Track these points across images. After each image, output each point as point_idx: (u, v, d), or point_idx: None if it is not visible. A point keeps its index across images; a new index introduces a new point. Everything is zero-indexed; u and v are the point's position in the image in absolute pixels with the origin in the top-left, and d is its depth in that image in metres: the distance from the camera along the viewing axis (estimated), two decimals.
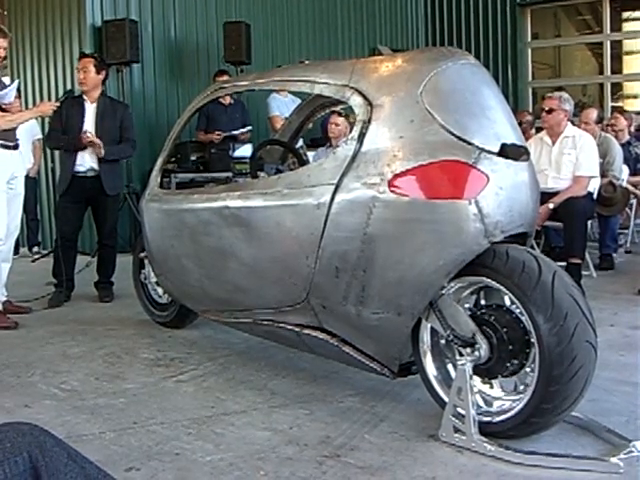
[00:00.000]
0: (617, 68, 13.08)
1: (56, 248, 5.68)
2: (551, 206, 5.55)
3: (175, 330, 4.62)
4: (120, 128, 5.64)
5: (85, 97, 5.58)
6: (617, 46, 13.02)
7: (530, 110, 11.89)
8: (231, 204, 3.47)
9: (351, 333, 3.11)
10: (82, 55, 5.81)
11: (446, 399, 2.83)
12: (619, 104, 12.91)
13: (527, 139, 4.89)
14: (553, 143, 5.86)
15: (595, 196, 6.07)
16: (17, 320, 4.92)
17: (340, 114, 6.76)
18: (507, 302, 2.82)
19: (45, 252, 7.91)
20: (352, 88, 3.10)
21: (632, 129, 8.41)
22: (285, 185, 3.24)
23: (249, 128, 8.29)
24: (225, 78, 6.84)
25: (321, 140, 7.99)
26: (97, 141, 5.38)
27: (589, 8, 13.27)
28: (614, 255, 6.67)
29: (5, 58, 5.06)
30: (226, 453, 2.75)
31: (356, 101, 3.07)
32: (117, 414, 3.19)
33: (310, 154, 6.80)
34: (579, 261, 5.49)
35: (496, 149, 2.85)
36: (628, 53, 13.50)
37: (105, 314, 5.23)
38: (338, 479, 2.51)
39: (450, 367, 2.97)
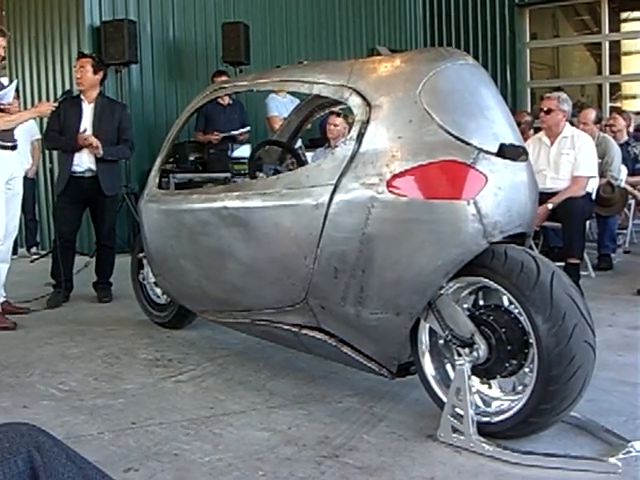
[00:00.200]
0: (615, 68, 13.08)
1: (54, 249, 5.67)
2: (550, 206, 5.55)
3: (174, 330, 4.62)
4: (118, 129, 5.63)
5: (83, 97, 5.58)
6: (615, 46, 13.02)
7: (529, 110, 11.90)
8: (230, 204, 3.47)
9: (350, 333, 3.11)
10: (80, 55, 5.81)
11: (445, 399, 2.84)
12: (617, 104, 12.91)
13: (526, 139, 4.89)
14: (551, 143, 5.86)
15: (594, 196, 6.07)
16: (16, 321, 4.92)
17: (339, 114, 6.76)
18: (506, 302, 2.82)
19: (44, 252, 7.90)
20: (351, 88, 3.10)
21: (631, 129, 8.41)
22: (284, 185, 3.24)
23: (248, 128, 8.28)
24: (224, 78, 6.85)
25: (320, 140, 7.99)
26: (94, 142, 5.38)
27: (587, 8, 13.27)
28: (612, 255, 6.67)
29: (4, 58, 5.06)
30: (225, 453, 2.75)
31: (355, 101, 3.07)
32: (116, 414, 3.19)
33: (309, 154, 6.80)
34: (578, 261, 5.49)
35: (494, 149, 2.86)
36: (626, 53, 13.50)
37: (104, 314, 5.23)
38: (336, 479, 2.52)
39: (449, 367, 2.97)
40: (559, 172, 5.77)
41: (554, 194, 5.63)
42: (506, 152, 2.87)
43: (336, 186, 2.98)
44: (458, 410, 2.74)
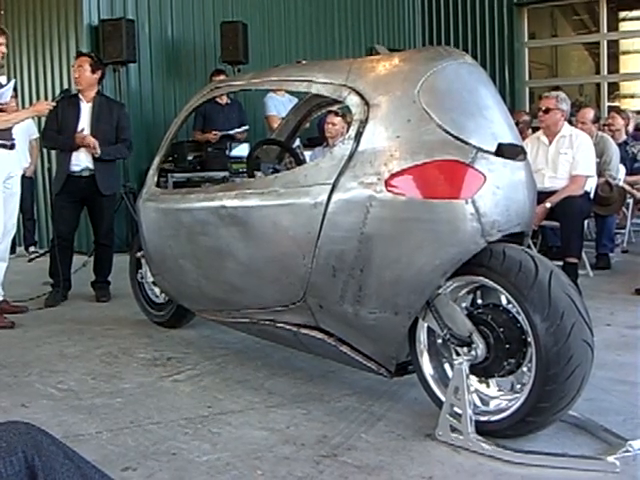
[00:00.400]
0: (614, 68, 13.09)
1: (52, 248, 5.67)
2: (548, 205, 5.55)
3: (172, 330, 4.62)
4: (116, 128, 5.62)
5: (81, 96, 5.57)
6: (614, 46, 13.02)
7: (527, 110, 11.91)
8: (228, 204, 3.47)
9: (348, 332, 3.11)
10: (78, 54, 5.80)
11: (443, 398, 2.84)
12: (616, 104, 12.91)
13: (524, 139, 4.89)
14: (550, 142, 5.86)
15: (592, 196, 6.07)
16: (14, 320, 4.92)
17: (337, 114, 6.76)
18: (504, 301, 2.82)
19: (42, 252, 7.90)
20: (349, 87, 3.10)
21: (630, 128, 8.40)
22: (282, 185, 3.24)
23: (246, 128, 8.28)
24: (222, 78, 6.84)
25: (318, 140, 7.99)
26: (92, 142, 5.37)
27: (586, 8, 13.28)
28: (611, 255, 6.67)
29: (3, 56, 5.04)
30: (223, 453, 2.75)
31: (353, 100, 3.07)
32: (114, 414, 3.19)
33: (307, 153, 6.80)
34: (576, 260, 5.49)
35: (493, 149, 2.86)
36: (625, 53, 13.51)
37: (102, 314, 5.23)
38: (335, 478, 2.52)
39: (447, 366, 2.97)
40: (557, 171, 5.77)
41: (552, 193, 5.63)
42: (504, 151, 2.87)
43: (334, 185, 2.98)
44: (456, 409, 2.74)
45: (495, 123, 2.97)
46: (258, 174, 3.84)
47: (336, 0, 11.59)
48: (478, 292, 2.95)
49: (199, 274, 3.83)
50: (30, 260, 7.80)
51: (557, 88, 9.64)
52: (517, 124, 3.20)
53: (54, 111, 5.29)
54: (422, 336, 2.97)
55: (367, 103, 3.00)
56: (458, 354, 2.83)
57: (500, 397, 2.87)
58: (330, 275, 3.02)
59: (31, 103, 7.78)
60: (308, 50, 10.76)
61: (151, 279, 4.61)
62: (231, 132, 8.07)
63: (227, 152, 7.83)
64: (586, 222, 6.32)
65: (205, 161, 7.96)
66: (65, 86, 7.78)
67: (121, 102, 6.68)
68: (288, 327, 3.35)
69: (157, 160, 4.42)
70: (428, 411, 2.99)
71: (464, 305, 2.94)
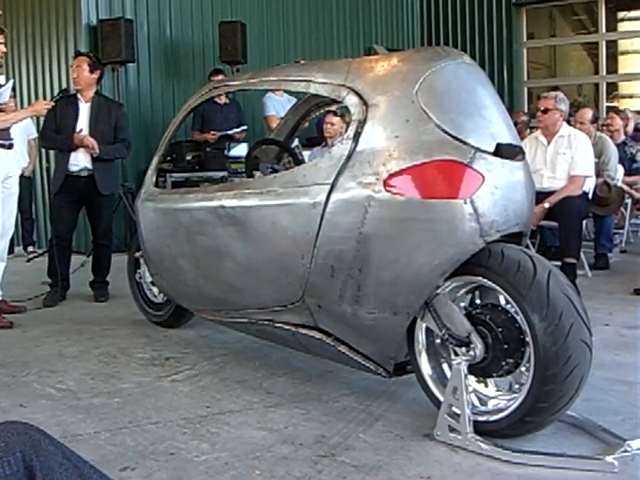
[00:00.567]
0: (612, 68, 13.10)
1: (51, 247, 5.67)
2: (546, 205, 5.55)
3: (170, 330, 4.62)
4: (115, 128, 5.62)
5: (79, 96, 5.57)
6: (612, 46, 13.04)
7: (525, 110, 11.91)
8: (226, 203, 3.47)
9: (347, 332, 3.11)
10: (77, 54, 5.80)
11: (441, 398, 2.84)
12: (614, 104, 12.92)
13: (522, 139, 4.89)
14: (548, 143, 5.86)
15: (590, 196, 6.08)
16: (12, 320, 4.91)
17: (336, 113, 6.76)
18: (502, 301, 2.82)
19: (40, 251, 7.89)
20: (348, 87, 3.10)
21: (630, 129, 8.38)
22: (281, 184, 3.24)
23: (244, 128, 8.28)
24: (220, 77, 6.83)
25: (317, 139, 7.99)
26: (90, 142, 5.37)
27: (584, 8, 13.29)
28: (609, 255, 6.67)
29: (2, 56, 5.04)
30: (221, 452, 2.75)
31: (352, 100, 3.07)
32: (112, 414, 3.19)
33: (306, 153, 6.80)
34: (574, 261, 5.50)
35: (491, 149, 2.86)
36: (623, 53, 13.52)
37: (100, 314, 5.22)
38: (333, 478, 2.52)
39: (445, 366, 2.98)
40: (556, 171, 5.77)
41: (551, 193, 5.64)
42: (503, 151, 2.87)
43: (333, 185, 2.98)
44: (455, 409, 2.74)
45: (494, 123, 2.97)
46: (257, 174, 3.84)
47: (335, 0, 11.60)
48: (477, 292, 2.95)
49: (198, 274, 3.83)
50: (28, 260, 7.80)
51: (556, 88, 9.65)
52: (515, 124, 3.20)
53: (52, 111, 5.29)
54: (421, 336, 2.98)
55: (366, 103, 3.00)
56: (456, 354, 2.83)
57: (498, 397, 2.87)
58: (329, 275, 3.02)
59: (29, 103, 7.78)
60: (307, 50, 10.76)
61: (149, 279, 4.61)
62: (230, 132, 8.08)
63: (226, 152, 7.84)
64: (584, 222, 6.33)
65: (204, 161, 7.96)
66: (64, 86, 7.78)
67: (120, 102, 6.68)
68: (287, 327, 3.35)
69: (156, 160, 4.42)
70: (426, 411, 2.99)
71: (462, 305, 2.94)
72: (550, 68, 14.33)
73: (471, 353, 2.75)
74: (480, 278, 2.80)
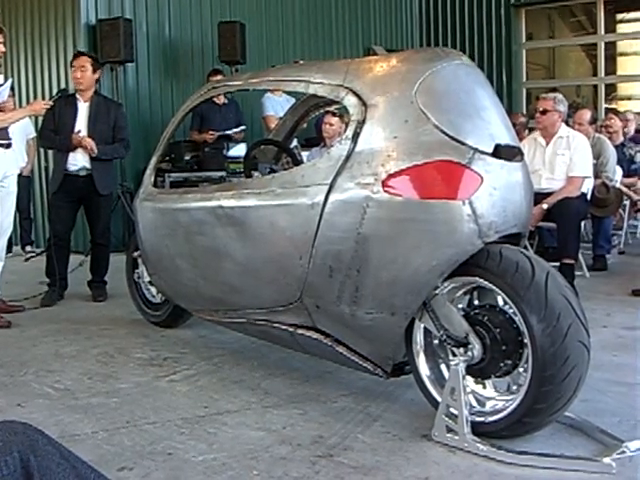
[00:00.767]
0: (611, 69, 13.11)
1: (49, 247, 5.67)
2: (545, 206, 5.55)
3: (168, 329, 4.62)
4: (113, 128, 5.62)
5: (78, 96, 5.56)
6: (611, 47, 13.04)
7: (524, 111, 11.92)
8: (225, 204, 3.47)
9: (345, 333, 3.11)
10: (79, 54, 5.78)
11: (439, 399, 2.84)
12: (613, 105, 12.93)
13: (521, 140, 4.89)
14: (547, 144, 5.87)
15: (589, 197, 6.08)
16: (10, 319, 4.91)
17: (334, 114, 6.76)
18: (500, 302, 2.82)
19: (38, 251, 7.88)
20: (346, 88, 3.10)
21: (631, 130, 8.36)
22: (279, 185, 3.24)
23: (243, 128, 8.28)
24: (219, 78, 6.83)
25: (315, 140, 7.99)
26: (88, 143, 5.37)
27: (583, 9, 13.29)
28: (607, 256, 6.67)
29: (1, 55, 5.03)
30: (219, 453, 2.75)
31: (350, 101, 3.07)
32: (110, 413, 3.19)
33: (304, 154, 6.80)
34: (572, 262, 5.50)
35: (490, 149, 2.86)
36: (622, 54, 13.53)
37: (98, 313, 5.22)
38: (331, 479, 2.52)
39: (443, 367, 2.97)
40: (554, 172, 5.78)
41: (549, 194, 5.64)
42: (501, 152, 2.87)
43: (331, 186, 2.98)
44: (452, 410, 2.74)
45: (492, 124, 2.97)
46: (255, 174, 3.84)
47: (334, 0, 11.60)
48: (475, 293, 2.96)
49: (196, 274, 3.83)
50: (27, 259, 7.79)
51: (554, 89, 9.66)
52: (514, 126, 3.20)
53: (51, 111, 5.28)
54: (419, 337, 2.98)
55: (364, 104, 3.00)
56: (454, 355, 2.83)
57: (496, 398, 2.87)
58: (327, 275, 3.02)
59: (28, 102, 7.76)
60: (306, 50, 10.77)
61: (148, 279, 4.61)
62: (228, 132, 8.08)
63: (224, 152, 7.84)
64: (583, 223, 6.33)
65: (202, 161, 7.97)
66: (62, 85, 7.78)
67: (118, 102, 6.67)
68: (285, 327, 3.35)
69: (154, 160, 4.41)
70: (424, 412, 2.99)
71: (460, 306, 2.94)
72: (549, 69, 14.34)
73: (469, 354, 2.76)
74: (478, 279, 2.80)
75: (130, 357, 4.07)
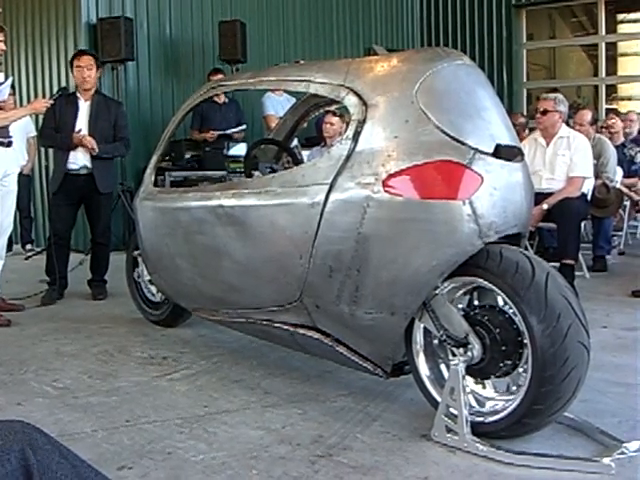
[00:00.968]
0: (612, 70, 13.12)
1: (49, 246, 5.67)
2: (545, 207, 5.56)
3: (168, 329, 4.62)
4: (114, 126, 5.62)
5: (79, 95, 5.57)
6: (612, 48, 13.05)
7: (525, 111, 11.93)
8: (225, 203, 3.47)
9: (344, 333, 3.11)
10: (82, 52, 5.78)
11: (439, 399, 2.84)
12: (613, 106, 12.94)
13: (521, 141, 4.89)
14: (547, 144, 5.87)
15: (589, 197, 6.08)
16: (10, 318, 4.91)
17: (335, 114, 6.76)
18: (500, 303, 2.82)
19: (38, 250, 7.89)
20: (347, 88, 3.10)
21: (634, 131, 8.34)
22: (279, 184, 3.24)
23: (243, 127, 8.28)
24: (220, 77, 6.83)
25: (316, 139, 7.99)
26: (89, 142, 5.37)
27: (584, 10, 13.30)
28: (607, 257, 6.68)
29: (2, 54, 5.03)
30: (218, 452, 2.74)
31: (351, 101, 3.07)
32: (110, 412, 3.19)
33: (305, 153, 6.80)
34: (572, 262, 5.50)
35: (490, 150, 2.86)
36: (623, 55, 13.54)
37: (98, 312, 5.22)
38: (330, 478, 2.51)
39: (443, 367, 2.97)
40: (555, 173, 5.78)
41: (550, 195, 5.64)
42: (502, 153, 2.87)
43: (332, 185, 2.98)
44: (452, 410, 2.74)
45: (493, 124, 2.97)
46: (256, 174, 3.83)
47: (335, 0, 11.60)
48: (475, 293, 2.95)
49: (196, 273, 3.83)
50: (27, 258, 7.80)
51: (555, 90, 9.66)
52: (513, 126, 3.20)
53: (52, 109, 5.29)
54: (418, 337, 2.97)
55: (365, 103, 3.00)
56: (454, 355, 2.83)
57: (496, 398, 2.87)
58: (327, 275, 3.02)
59: (29, 101, 7.77)
60: (306, 50, 10.77)
61: (147, 278, 4.61)
62: (228, 131, 8.08)
63: (225, 151, 7.84)
64: (583, 224, 6.33)
65: (203, 160, 7.96)
66: (63, 84, 7.78)
67: (119, 100, 6.68)
68: (284, 327, 3.35)
69: (154, 159, 4.42)
70: (424, 412, 2.99)
71: (460, 306, 2.94)
72: (549, 70, 14.34)
73: (469, 354, 2.75)
74: (478, 279, 2.80)
75: (130, 356, 4.07)
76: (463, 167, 2.78)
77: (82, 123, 5.49)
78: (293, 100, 6.43)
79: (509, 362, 2.74)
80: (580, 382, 2.62)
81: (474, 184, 2.77)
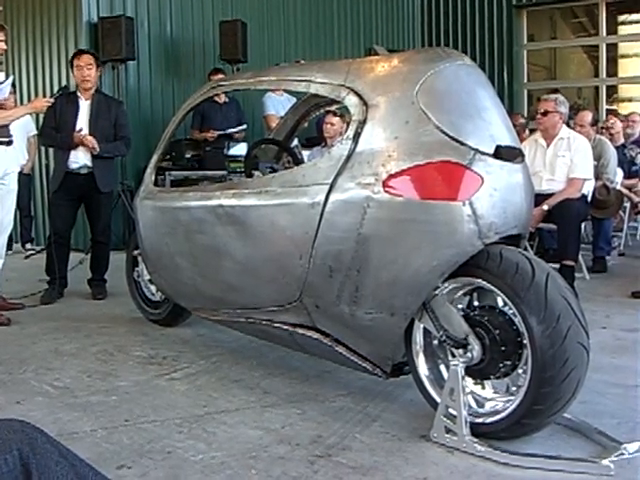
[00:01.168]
0: (612, 71, 13.12)
1: (49, 245, 5.67)
2: (545, 208, 5.55)
3: (168, 328, 4.62)
4: (114, 125, 5.63)
5: (79, 94, 5.57)
6: (613, 49, 13.05)
7: (525, 112, 11.93)
8: (225, 203, 3.47)
9: (344, 333, 3.11)
10: (83, 52, 5.78)
11: (438, 400, 2.84)
12: (614, 107, 12.94)
13: (521, 141, 4.89)
14: (548, 145, 5.87)
15: (589, 199, 6.08)
16: (10, 317, 4.90)
17: (335, 114, 6.76)
18: (500, 303, 2.82)
19: (38, 249, 7.89)
20: (348, 88, 3.10)
21: (636, 132, 8.33)
22: (280, 184, 3.24)
23: (244, 127, 8.28)
24: (220, 77, 6.83)
25: (316, 139, 7.99)
26: (90, 141, 5.37)
27: (585, 11, 13.30)
28: (607, 258, 6.68)
29: (2, 53, 5.03)
30: (218, 452, 2.74)
31: (352, 101, 3.07)
32: (109, 412, 3.19)
33: (305, 153, 6.80)
34: (572, 263, 5.50)
35: (491, 150, 2.86)
36: (624, 56, 13.54)
37: (98, 311, 5.22)
38: (329, 479, 2.51)
39: (442, 368, 2.97)
40: (555, 174, 5.78)
41: (550, 196, 5.64)
42: (502, 153, 2.87)
43: (332, 185, 2.98)
44: (451, 410, 2.74)
45: (493, 125, 2.97)
46: (256, 173, 3.83)
47: (335, 0, 11.60)
48: (474, 294, 2.95)
49: (196, 273, 3.83)
50: (27, 257, 7.80)
51: (556, 91, 9.66)
52: (514, 127, 3.21)
53: (52, 108, 5.29)
54: (418, 337, 2.97)
55: (366, 104, 3.00)
56: (454, 355, 2.83)
57: (495, 399, 2.87)
58: (327, 275, 3.02)
59: (29, 100, 7.76)
60: (307, 50, 10.77)
61: (147, 277, 4.61)
62: (229, 131, 8.08)
63: (225, 151, 7.84)
64: (583, 225, 6.33)
65: (203, 160, 7.96)
66: (64, 83, 7.77)
67: (119, 99, 6.68)
68: (284, 327, 3.35)
69: (155, 158, 4.42)
70: (423, 412, 2.99)
71: (460, 307, 2.94)
72: (550, 70, 14.34)
73: (468, 355, 2.75)
74: (478, 280, 2.80)
75: (129, 355, 4.07)
76: (463, 168, 2.78)
77: (83, 122, 5.49)
78: (293, 100, 6.43)
79: (509, 363, 2.74)
80: (579, 383, 2.62)
81: (474, 185, 2.77)
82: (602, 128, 7.98)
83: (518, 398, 2.67)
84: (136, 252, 4.66)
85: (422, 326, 2.94)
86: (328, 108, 4.94)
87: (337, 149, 3.05)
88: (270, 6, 10.34)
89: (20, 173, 5.60)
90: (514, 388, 2.79)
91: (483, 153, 2.83)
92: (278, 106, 7.98)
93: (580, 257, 5.83)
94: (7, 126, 4.99)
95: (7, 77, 5.23)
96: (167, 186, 4.49)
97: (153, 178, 4.34)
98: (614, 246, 7.27)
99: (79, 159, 5.48)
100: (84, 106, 5.55)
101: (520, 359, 2.72)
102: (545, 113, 5.82)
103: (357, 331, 3.04)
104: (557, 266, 5.25)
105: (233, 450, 2.75)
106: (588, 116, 6.93)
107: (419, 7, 13.59)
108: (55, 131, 5.52)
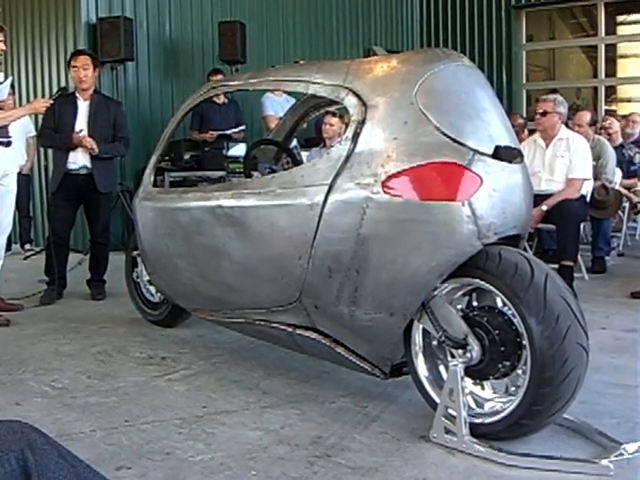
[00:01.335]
0: (611, 71, 13.11)
1: (48, 246, 5.66)
2: (544, 208, 5.55)
3: (167, 329, 4.62)
4: (113, 126, 5.63)
5: (78, 95, 5.57)
6: (612, 49, 13.05)
7: (524, 112, 11.93)
8: (224, 203, 3.47)
9: (343, 333, 3.11)
10: (80, 52, 5.78)
11: (437, 400, 2.84)
12: (613, 107, 12.94)
13: (520, 142, 4.89)
14: (547, 145, 5.87)
15: (588, 199, 6.08)
16: (9, 317, 4.90)
17: (334, 114, 6.76)
18: (499, 304, 2.82)
19: (37, 249, 7.88)
20: (347, 88, 3.10)
21: (636, 132, 8.34)
22: (279, 185, 3.24)
23: (243, 127, 8.29)
24: (219, 77, 6.84)
25: (315, 140, 7.99)
26: (89, 143, 5.37)
27: (584, 11, 13.30)
28: (606, 258, 6.68)
29: (1, 54, 5.03)
30: (217, 452, 2.74)
31: (351, 101, 3.07)
32: (108, 412, 3.19)
33: (304, 154, 6.79)
34: (571, 264, 5.50)
35: (490, 151, 2.86)
36: (622, 56, 13.53)
37: (97, 312, 5.22)
38: (329, 479, 2.51)
39: (442, 368, 2.97)
40: (554, 174, 5.78)
41: (549, 196, 5.64)
42: (501, 154, 2.87)
43: (331, 186, 2.98)
44: (451, 411, 2.74)
45: (492, 125, 2.97)
46: (255, 174, 3.84)
47: (334, 1, 11.60)
48: (474, 294, 2.95)
49: (195, 273, 3.83)
50: (26, 258, 7.79)
51: (554, 91, 9.66)
52: (512, 127, 3.21)
53: (51, 109, 5.28)
54: (417, 338, 2.97)
55: (364, 104, 3.00)
56: (453, 356, 2.83)
57: (495, 399, 2.87)
58: (326, 276, 3.02)
59: (28, 101, 7.75)
60: (306, 50, 10.77)
61: (147, 278, 4.61)
62: (228, 132, 8.08)
63: (224, 152, 7.84)
64: (582, 225, 6.33)
65: (202, 160, 7.96)
66: (62, 84, 7.76)
67: (118, 100, 6.68)
68: (283, 327, 3.35)
69: (154, 159, 4.41)
70: (422, 413, 2.99)
71: (459, 307, 2.94)
72: (549, 71, 14.34)
73: (468, 355, 2.75)
74: (477, 280, 2.80)
75: (129, 356, 4.07)
76: (462, 168, 2.78)
77: (81, 123, 5.49)
78: (292, 101, 6.43)
79: (508, 363, 2.74)
80: (579, 383, 2.62)
81: (473, 185, 2.77)
82: (601, 128, 7.98)
83: (517, 398, 2.67)
84: (135, 253, 4.66)
85: (421, 326, 2.94)
86: (327, 109, 4.94)
87: (336, 150, 3.05)
88: (269, 7, 10.34)
89: (19, 174, 5.60)
90: (513, 388, 2.79)
91: (482, 153, 2.84)
92: (277, 107, 7.98)
93: (579, 257, 5.83)
94: (6, 127, 4.98)
95: (6, 78, 5.23)
96: (166, 187, 4.50)
97: (152, 179, 4.34)
98: (613, 246, 7.27)
99: (78, 160, 5.48)
100: (83, 107, 5.54)
101: (519, 359, 2.72)
102: (544, 113, 5.82)
103: (356, 331, 3.04)
104: (556, 266, 5.24)
105: (232, 451, 2.75)
106: (586, 116, 6.94)
107: (418, 8, 13.59)
108: (54, 132, 5.52)
